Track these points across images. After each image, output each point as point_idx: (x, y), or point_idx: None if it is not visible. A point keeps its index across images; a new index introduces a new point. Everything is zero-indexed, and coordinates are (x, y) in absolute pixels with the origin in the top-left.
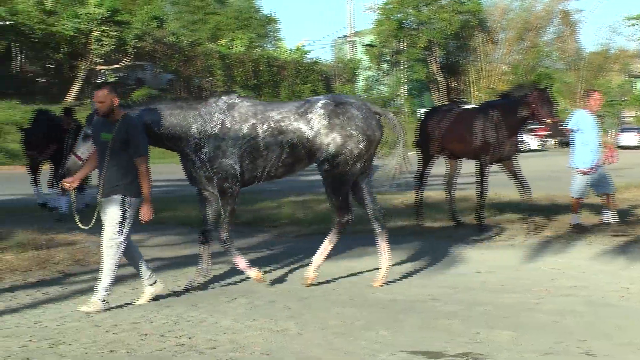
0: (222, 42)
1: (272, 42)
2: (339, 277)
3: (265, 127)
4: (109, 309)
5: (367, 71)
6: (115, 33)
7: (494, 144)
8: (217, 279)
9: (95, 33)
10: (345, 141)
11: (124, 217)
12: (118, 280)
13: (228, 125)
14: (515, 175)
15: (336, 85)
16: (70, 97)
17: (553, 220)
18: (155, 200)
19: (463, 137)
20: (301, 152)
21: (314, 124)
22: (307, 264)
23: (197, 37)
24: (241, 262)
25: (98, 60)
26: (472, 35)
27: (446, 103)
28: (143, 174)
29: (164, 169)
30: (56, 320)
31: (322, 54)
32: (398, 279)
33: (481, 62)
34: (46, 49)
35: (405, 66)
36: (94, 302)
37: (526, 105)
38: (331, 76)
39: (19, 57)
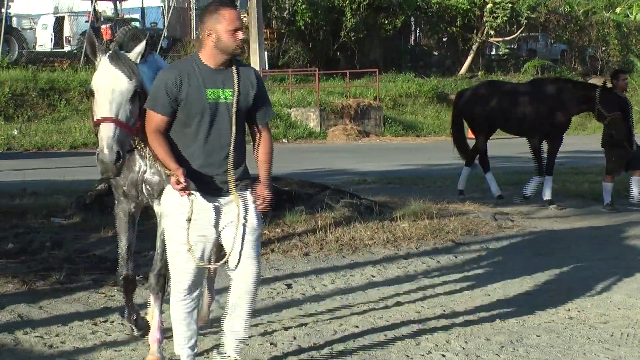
0: (619, 10)
1: None
2: None
3: None
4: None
5: None
6: (509, 4)
7: None
8: (610, 253)
9: (489, 5)
10: None
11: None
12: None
13: None
14: None
15: None
16: (463, 69)
17: None
18: None
19: None
20: None
21: None
22: None
23: (592, 6)
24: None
25: (491, 32)
26: None
27: None
28: (269, 142)
29: None
30: (448, 287)
31: None
32: None
33: None
34: (441, 22)
35: None
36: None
37: None
38: None
39: (416, 31)
